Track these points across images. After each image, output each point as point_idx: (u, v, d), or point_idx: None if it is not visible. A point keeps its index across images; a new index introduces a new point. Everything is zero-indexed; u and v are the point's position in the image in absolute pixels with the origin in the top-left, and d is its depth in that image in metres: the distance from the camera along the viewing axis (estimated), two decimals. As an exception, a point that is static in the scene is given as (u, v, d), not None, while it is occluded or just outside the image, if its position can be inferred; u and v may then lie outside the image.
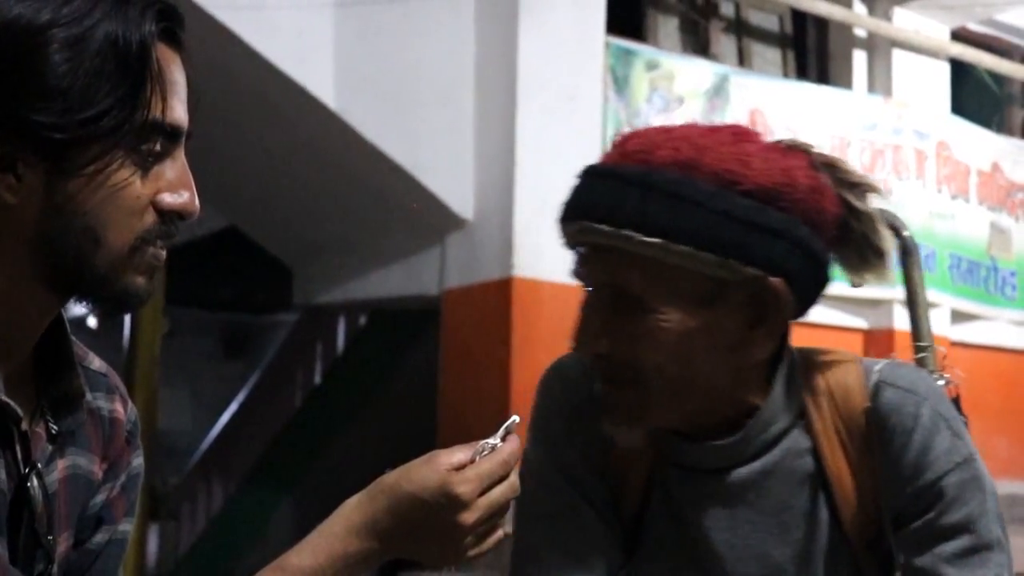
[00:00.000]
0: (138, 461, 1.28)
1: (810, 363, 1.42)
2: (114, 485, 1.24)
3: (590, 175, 1.33)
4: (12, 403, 1.07)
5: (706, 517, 1.40)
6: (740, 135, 1.33)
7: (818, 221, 1.32)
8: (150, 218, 1.09)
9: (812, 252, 1.31)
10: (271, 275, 8.88)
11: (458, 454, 1.14)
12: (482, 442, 1.15)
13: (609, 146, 1.36)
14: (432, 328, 6.45)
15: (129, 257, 1.09)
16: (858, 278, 1.41)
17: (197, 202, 1.13)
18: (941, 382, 1.53)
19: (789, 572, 1.40)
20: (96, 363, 1.26)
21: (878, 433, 1.37)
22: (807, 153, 1.35)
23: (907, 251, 1.80)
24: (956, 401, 1.51)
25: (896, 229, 1.73)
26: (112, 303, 1.12)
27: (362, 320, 8.42)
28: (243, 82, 5.76)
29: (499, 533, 1.17)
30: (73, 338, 1.19)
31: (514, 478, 1.15)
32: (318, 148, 6.29)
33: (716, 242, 1.26)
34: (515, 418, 1.17)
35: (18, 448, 1.08)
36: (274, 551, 1.18)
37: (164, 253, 1.13)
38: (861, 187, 1.38)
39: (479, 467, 1.13)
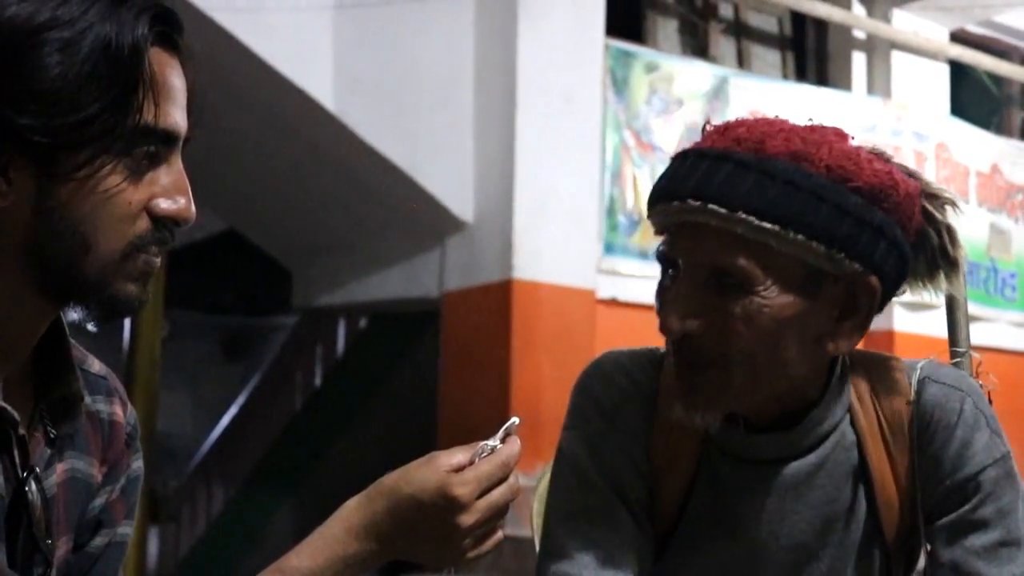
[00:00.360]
0: (138, 464, 1.27)
1: (854, 361, 1.45)
2: (113, 488, 1.23)
3: (700, 156, 1.32)
4: (9, 408, 1.07)
5: (756, 507, 1.41)
6: (842, 135, 1.35)
7: (908, 227, 1.35)
8: (143, 224, 1.08)
9: (904, 255, 1.35)
10: (270, 278, 8.89)
11: (457, 456, 1.14)
12: (481, 444, 1.15)
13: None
14: (432, 330, 6.47)
15: (121, 263, 1.07)
16: (921, 287, 1.44)
17: (193, 208, 1.11)
18: None
19: (823, 561, 1.42)
20: (96, 366, 1.25)
21: (921, 427, 1.40)
22: (890, 161, 1.38)
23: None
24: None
25: None
26: (104, 310, 1.10)
27: (362, 323, 8.43)
28: (242, 84, 5.75)
29: (498, 535, 1.16)
30: (72, 341, 1.18)
31: (513, 480, 1.14)
32: (317, 150, 6.30)
33: (828, 234, 1.28)
34: (515, 420, 1.17)
35: (16, 452, 1.08)
36: (274, 553, 1.18)
37: (158, 260, 1.11)
38: (941, 199, 1.41)
39: (478, 469, 1.12)
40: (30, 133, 1.01)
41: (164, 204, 1.08)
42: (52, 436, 1.13)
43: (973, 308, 7.48)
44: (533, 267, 5.76)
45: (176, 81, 1.09)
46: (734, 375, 1.32)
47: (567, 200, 5.72)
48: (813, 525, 1.42)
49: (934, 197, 1.40)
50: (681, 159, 1.35)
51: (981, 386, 1.58)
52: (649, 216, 1.38)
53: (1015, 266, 7.98)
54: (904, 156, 7.29)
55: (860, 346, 1.40)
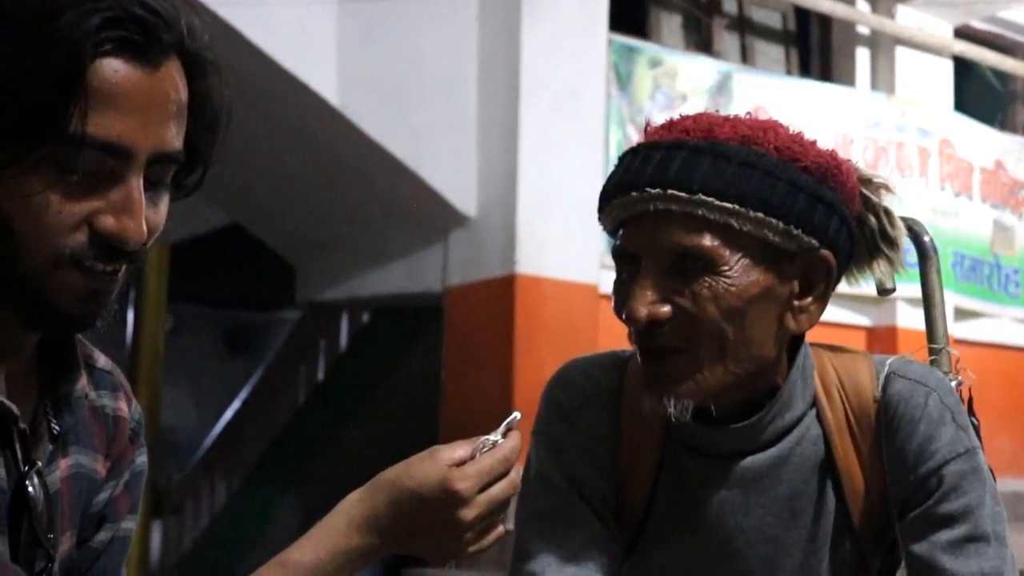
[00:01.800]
0: (142, 459, 1.28)
1: (822, 356, 1.47)
2: (117, 483, 1.23)
3: (652, 148, 1.36)
4: (9, 403, 1.07)
5: (719, 501, 1.43)
6: (783, 124, 1.40)
7: (851, 206, 1.39)
8: (80, 237, 1.03)
9: (852, 231, 1.39)
10: (274, 272, 8.88)
11: (459, 450, 1.15)
12: (483, 438, 1.16)
13: (641, 135, 1.42)
14: (435, 325, 6.46)
15: (51, 272, 1.03)
16: (862, 275, 1.47)
17: (141, 230, 1.04)
18: (953, 383, 1.57)
19: (795, 555, 1.44)
20: (101, 361, 1.25)
21: (886, 422, 1.42)
22: None
23: (926, 255, 1.81)
24: (969, 403, 1.55)
25: (917, 233, 1.79)
26: (42, 320, 1.07)
27: (365, 317, 8.43)
28: (245, 79, 5.72)
29: (500, 529, 1.17)
30: (79, 336, 1.18)
31: (514, 474, 1.15)
32: (321, 145, 6.30)
33: (785, 210, 1.32)
34: (516, 414, 1.18)
35: (18, 447, 1.08)
36: (277, 547, 1.18)
37: (113, 280, 1.06)
38: (875, 184, 1.45)
39: (479, 463, 1.13)
40: None
41: (105, 221, 1.03)
42: (55, 432, 1.13)
43: (976, 304, 7.55)
44: (536, 262, 5.76)
45: (135, 92, 1.03)
46: (703, 358, 1.34)
47: (570, 195, 5.70)
48: (781, 519, 1.43)
49: (868, 182, 1.44)
50: (631, 154, 1.38)
51: (961, 382, 1.61)
52: (602, 213, 1.41)
53: (1018, 262, 7.98)
54: (908, 152, 7.31)
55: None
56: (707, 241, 1.31)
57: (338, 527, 1.14)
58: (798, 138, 1.37)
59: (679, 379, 1.34)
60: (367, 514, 1.14)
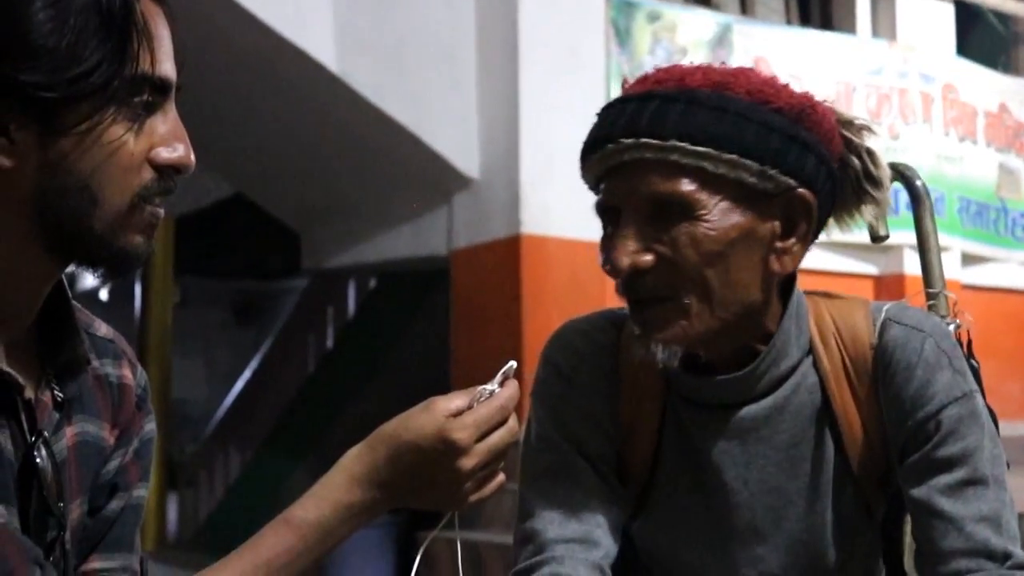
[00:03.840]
0: (150, 426, 1.28)
1: (818, 304, 1.48)
2: (127, 451, 1.23)
3: (624, 101, 1.38)
4: (12, 372, 1.07)
5: (720, 452, 1.44)
6: (754, 70, 1.40)
7: (830, 147, 1.39)
8: (147, 174, 1.08)
9: (832, 171, 1.39)
10: (279, 241, 8.91)
11: (456, 400, 1.15)
12: (480, 388, 1.16)
13: (620, 90, 1.42)
14: (442, 288, 6.48)
15: (128, 215, 1.08)
16: (850, 219, 1.47)
17: (192, 155, 1.11)
18: (951, 327, 1.57)
19: (798, 504, 1.45)
20: (103, 329, 1.26)
21: (883, 368, 1.42)
22: None
23: (919, 199, 1.80)
24: (968, 346, 1.55)
25: (908, 178, 1.79)
26: (112, 264, 1.11)
27: (372, 283, 8.47)
28: (244, 48, 5.74)
29: (500, 478, 1.18)
30: (77, 304, 1.19)
31: (513, 423, 1.16)
32: (321, 112, 6.28)
33: (759, 151, 1.32)
34: (512, 363, 1.19)
35: (23, 417, 1.08)
36: None
37: (162, 211, 1.11)
38: (856, 125, 1.44)
39: (476, 413, 1.14)
40: (32, 89, 1.01)
41: (164, 153, 1.09)
42: (59, 400, 1.14)
43: (983, 248, 7.54)
44: (541, 222, 5.76)
45: (163, 31, 1.10)
46: (689, 304, 1.34)
47: (573, 153, 5.54)
48: (782, 468, 1.44)
49: (849, 124, 1.44)
50: (606, 109, 1.40)
51: (959, 325, 1.62)
52: (584, 170, 1.42)
53: (1025, 205, 7.98)
54: (911, 98, 7.28)
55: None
56: (683, 186, 1.32)
57: (339, 483, 1.15)
58: (770, 81, 1.38)
59: (664, 325, 1.35)
60: (367, 468, 1.14)
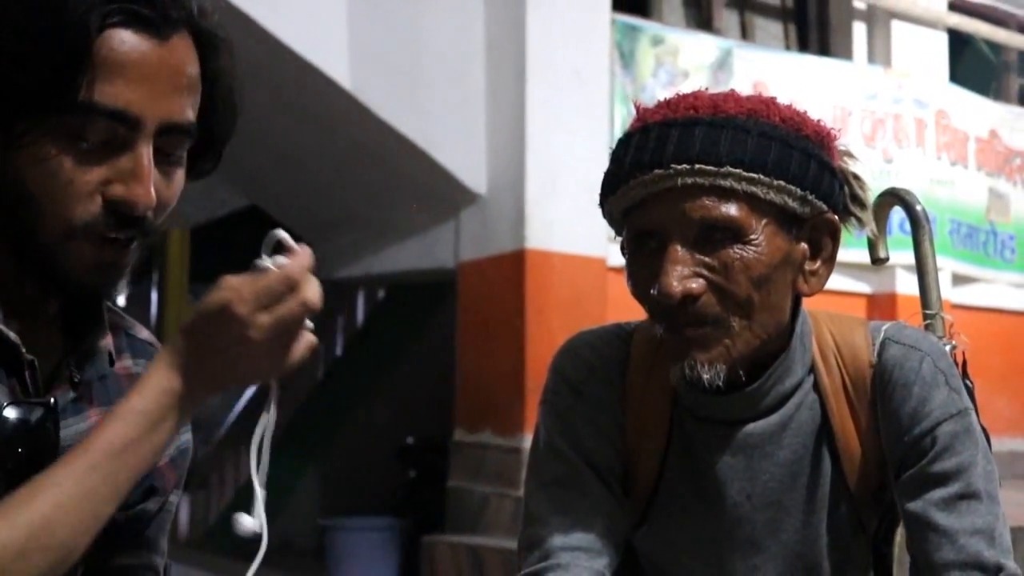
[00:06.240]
0: (187, 436, 1.30)
1: (819, 322, 1.50)
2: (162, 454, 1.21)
3: (666, 125, 1.36)
4: (8, 331, 1.09)
5: (725, 467, 1.45)
6: (775, 98, 1.43)
7: (840, 172, 1.44)
8: (93, 207, 1.06)
9: (846, 195, 1.43)
10: (291, 252, 8.95)
11: (242, 277, 1.11)
12: (256, 261, 1.12)
13: (633, 116, 1.43)
14: (449, 299, 6.52)
15: (66, 242, 1.07)
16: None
17: (149, 196, 1.08)
18: (948, 348, 1.60)
19: (795, 517, 1.47)
20: (144, 333, 1.29)
21: (881, 386, 1.44)
22: None
23: (918, 223, 1.81)
24: (963, 367, 1.58)
25: (908, 203, 1.82)
26: (58, 289, 1.10)
27: (381, 293, 8.48)
28: (258, 64, 5.72)
29: (308, 340, 1.13)
30: (117, 308, 1.23)
31: (305, 293, 1.10)
32: (334, 127, 6.33)
33: (802, 177, 1.35)
34: (274, 232, 1.14)
35: (27, 375, 1.10)
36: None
37: (127, 251, 1.10)
38: (842, 151, 1.47)
39: (254, 285, 1.08)
40: None
41: (114, 188, 1.07)
42: (76, 380, 1.16)
43: (972, 269, 7.68)
44: (545, 237, 5.80)
45: (143, 62, 1.07)
46: (734, 325, 1.35)
47: (577, 171, 5.69)
48: (783, 483, 1.46)
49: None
50: (642, 132, 1.37)
51: (955, 346, 1.66)
52: (614, 195, 1.39)
53: (1014, 228, 8.05)
54: (905, 123, 7.35)
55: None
56: (735, 211, 1.32)
57: (158, 369, 1.09)
58: (794, 109, 1.40)
59: (709, 346, 1.35)
60: (177, 352, 1.09)
